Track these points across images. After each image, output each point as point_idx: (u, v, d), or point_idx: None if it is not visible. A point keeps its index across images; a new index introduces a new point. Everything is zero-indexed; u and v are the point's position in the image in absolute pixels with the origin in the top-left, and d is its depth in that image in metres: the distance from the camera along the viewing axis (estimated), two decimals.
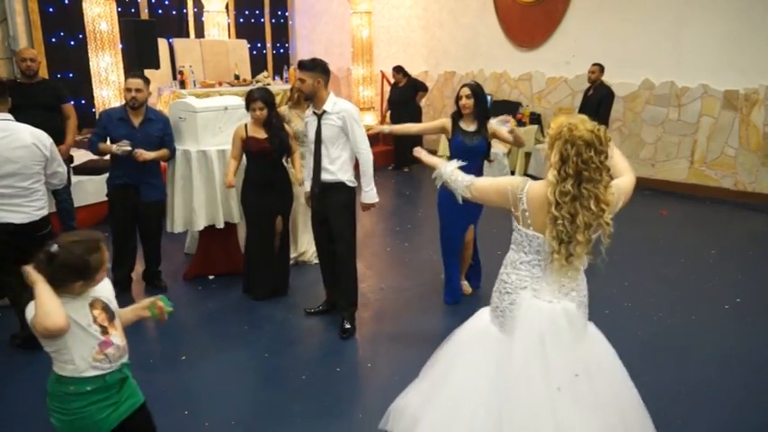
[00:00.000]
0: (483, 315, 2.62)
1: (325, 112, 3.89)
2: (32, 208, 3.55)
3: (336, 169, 3.93)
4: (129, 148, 4.22)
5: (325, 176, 3.95)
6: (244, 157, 4.44)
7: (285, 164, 4.61)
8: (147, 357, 3.82)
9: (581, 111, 7.31)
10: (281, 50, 11.81)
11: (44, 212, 3.63)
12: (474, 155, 4.12)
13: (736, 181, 7.51)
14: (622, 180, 2.39)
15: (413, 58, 10.45)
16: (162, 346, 4.00)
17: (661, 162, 8.07)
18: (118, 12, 7.33)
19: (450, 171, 2.54)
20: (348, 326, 4.08)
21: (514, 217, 2.37)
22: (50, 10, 8.02)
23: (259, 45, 11.27)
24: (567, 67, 8.67)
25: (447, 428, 2.40)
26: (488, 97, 9.27)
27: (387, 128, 4.58)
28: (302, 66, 3.90)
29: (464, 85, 4.22)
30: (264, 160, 4.37)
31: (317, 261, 5.28)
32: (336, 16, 11.14)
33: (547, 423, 2.23)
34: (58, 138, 5.37)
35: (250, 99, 4.31)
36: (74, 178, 5.85)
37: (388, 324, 4.27)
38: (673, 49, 7.74)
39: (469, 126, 4.20)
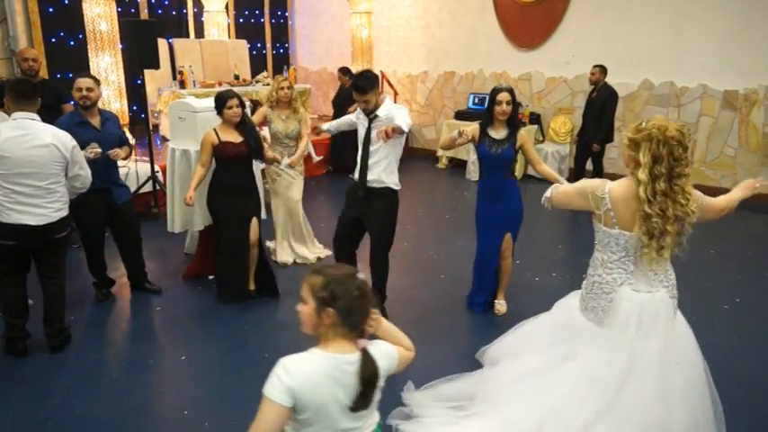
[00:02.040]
0: (574, 313, 2.70)
1: (376, 116, 3.88)
2: (50, 209, 3.54)
3: (381, 171, 3.94)
4: (100, 150, 4.07)
5: (370, 178, 3.95)
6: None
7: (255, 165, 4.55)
8: (147, 357, 3.82)
9: (585, 112, 7.32)
10: (281, 50, 11.81)
11: (62, 214, 3.62)
12: (499, 163, 4.01)
13: (735, 181, 7.48)
14: (714, 199, 2.55)
15: (412, 58, 10.45)
16: (162, 347, 4.00)
17: None
18: (117, 12, 7.34)
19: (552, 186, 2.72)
20: (382, 313, 4.18)
21: (596, 217, 2.47)
22: (50, 10, 8.02)
23: (259, 45, 11.27)
24: (566, 67, 8.67)
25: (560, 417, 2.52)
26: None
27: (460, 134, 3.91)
28: (362, 90, 3.78)
29: (503, 90, 3.98)
30: (239, 163, 4.29)
31: (312, 260, 5.33)
32: (336, 16, 11.14)
33: (654, 408, 2.39)
34: None
35: (225, 98, 4.20)
36: None
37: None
38: (672, 49, 7.74)
39: (499, 133, 4.02)
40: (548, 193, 2.62)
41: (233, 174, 4.31)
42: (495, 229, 4.19)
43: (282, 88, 5.04)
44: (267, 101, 5.23)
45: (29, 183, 3.44)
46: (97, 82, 4.27)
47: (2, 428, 3.11)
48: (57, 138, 3.51)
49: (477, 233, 4.31)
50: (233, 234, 4.40)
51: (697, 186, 2.56)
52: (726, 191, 2.57)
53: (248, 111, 4.58)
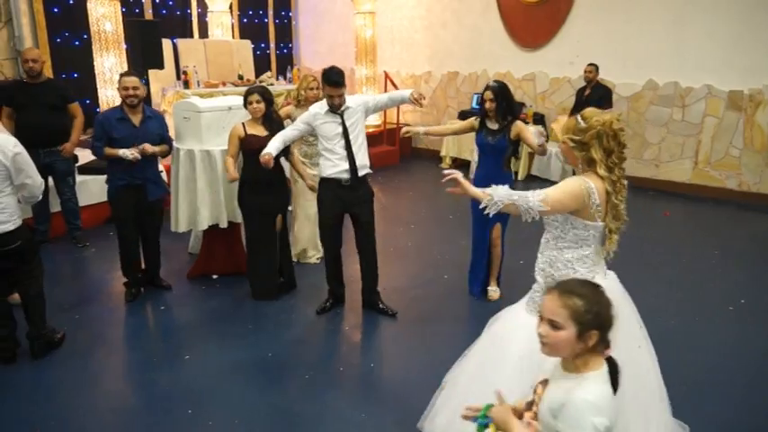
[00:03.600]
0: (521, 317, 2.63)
1: (348, 108, 4.05)
2: None
3: (363, 155, 4.13)
4: (140, 156, 4.23)
5: (358, 164, 4.08)
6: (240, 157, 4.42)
7: (282, 163, 4.57)
8: (151, 356, 3.83)
9: (576, 110, 7.31)
10: (285, 51, 11.83)
11: (7, 227, 3.35)
12: (495, 152, 4.28)
13: (740, 182, 7.49)
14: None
15: (416, 59, 10.45)
16: (166, 346, 4.01)
17: (665, 162, 8.05)
18: (122, 12, 7.35)
19: (507, 194, 2.41)
20: (384, 306, 4.37)
21: (581, 217, 2.45)
22: (55, 10, 8.05)
23: (263, 45, 11.29)
24: (570, 67, 8.66)
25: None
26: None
27: (422, 129, 4.61)
28: (338, 83, 3.95)
29: (487, 88, 4.27)
30: None
31: (316, 261, 5.34)
32: (340, 16, 11.15)
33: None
34: (64, 137, 5.39)
35: (248, 93, 4.33)
36: (78, 178, 5.87)
37: (390, 324, 4.28)
38: (676, 49, 7.72)
39: (494, 124, 4.30)
40: (540, 197, 2.39)
41: (260, 168, 4.31)
42: (486, 218, 4.27)
43: (312, 88, 5.08)
44: (294, 100, 5.26)
45: None
46: (142, 80, 4.34)
47: (5, 427, 3.13)
48: None
49: (474, 221, 4.52)
50: (262, 230, 4.48)
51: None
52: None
53: (276, 107, 4.64)
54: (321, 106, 4.10)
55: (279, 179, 4.53)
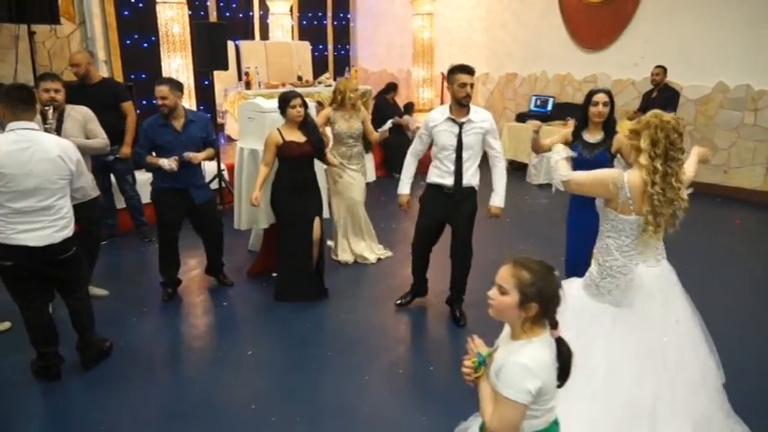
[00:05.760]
0: (585, 301, 2.84)
1: (469, 120, 3.94)
2: (54, 228, 3.20)
3: (471, 174, 4.01)
4: (176, 168, 4.22)
5: (463, 182, 4.01)
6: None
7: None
8: (216, 351, 3.93)
9: (643, 113, 7.10)
10: (342, 52, 11.93)
11: (66, 234, 3.28)
12: (593, 168, 3.63)
13: None
14: (688, 168, 2.89)
15: (474, 60, 10.26)
16: (228, 341, 4.10)
17: (735, 168, 7.72)
18: (189, 15, 7.58)
19: (555, 160, 2.93)
20: (458, 314, 4.30)
21: (611, 208, 2.67)
22: (126, 13, 8.36)
23: (321, 47, 11.42)
24: (634, 69, 8.40)
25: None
26: (551, 99, 9.12)
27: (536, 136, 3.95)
28: (472, 71, 3.91)
29: (600, 91, 3.83)
30: (302, 162, 4.35)
31: (372, 260, 5.38)
32: (398, 18, 11.16)
33: (693, 362, 2.76)
34: (119, 136, 5.49)
35: (289, 98, 4.26)
36: (143, 176, 6.03)
37: (449, 327, 4.26)
38: (748, 50, 7.39)
39: (594, 136, 3.82)
40: (563, 178, 2.81)
41: (296, 173, 4.38)
42: (587, 237, 4.01)
43: (356, 90, 5.13)
44: (331, 102, 5.31)
45: (32, 200, 3.11)
46: (177, 86, 4.30)
47: (78, 416, 3.27)
48: (62, 148, 3.21)
49: (571, 242, 4.03)
50: (295, 234, 4.47)
51: None
52: None
53: (313, 111, 4.64)
54: (442, 111, 4.00)
55: (312, 183, 4.52)
